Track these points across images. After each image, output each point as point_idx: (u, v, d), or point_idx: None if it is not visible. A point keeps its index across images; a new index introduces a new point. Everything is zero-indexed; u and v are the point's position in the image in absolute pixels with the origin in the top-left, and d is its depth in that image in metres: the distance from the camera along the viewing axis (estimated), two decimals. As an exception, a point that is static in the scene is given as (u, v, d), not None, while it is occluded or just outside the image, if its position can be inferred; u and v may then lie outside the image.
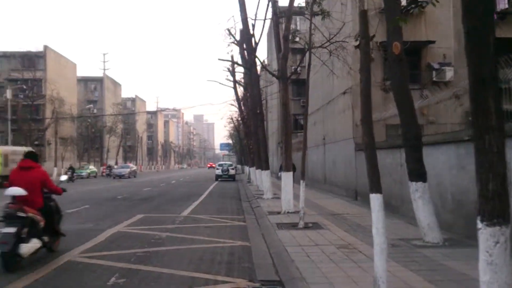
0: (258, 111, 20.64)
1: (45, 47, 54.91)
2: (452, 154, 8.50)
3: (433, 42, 15.71)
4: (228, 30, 19.65)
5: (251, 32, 18.66)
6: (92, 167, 54.01)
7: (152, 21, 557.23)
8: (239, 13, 18.06)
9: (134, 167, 56.12)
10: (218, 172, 40.56)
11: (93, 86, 78.26)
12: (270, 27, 30.57)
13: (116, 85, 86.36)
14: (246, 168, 41.20)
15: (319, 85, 21.02)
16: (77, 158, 61.96)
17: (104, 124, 67.81)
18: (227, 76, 28.62)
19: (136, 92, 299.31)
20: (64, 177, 9.50)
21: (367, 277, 5.39)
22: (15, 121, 44.91)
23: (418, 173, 7.72)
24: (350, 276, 5.59)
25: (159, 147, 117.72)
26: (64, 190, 7.90)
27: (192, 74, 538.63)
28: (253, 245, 8.31)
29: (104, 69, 78.10)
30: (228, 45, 21.09)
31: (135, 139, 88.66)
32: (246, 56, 20.39)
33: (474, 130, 3.20)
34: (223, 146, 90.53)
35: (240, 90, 31.66)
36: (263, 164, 19.40)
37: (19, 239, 6.44)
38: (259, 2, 20.13)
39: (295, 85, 33.70)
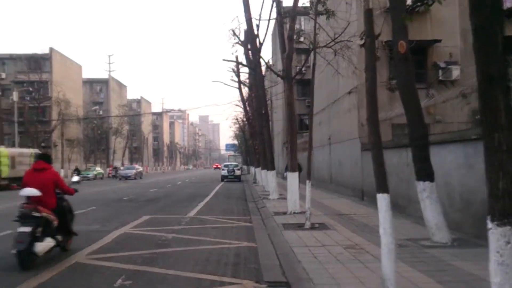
0: (263, 112, 20.60)
1: (51, 49, 55.22)
2: (460, 153, 8.43)
3: (439, 41, 15.60)
4: (233, 30, 19.68)
5: (256, 32, 18.64)
6: (98, 169, 54.24)
7: (157, 22, 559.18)
8: (243, 13, 18.06)
9: (140, 168, 56.27)
10: (224, 172, 40.59)
11: (99, 87, 78.58)
12: (274, 27, 30.55)
13: (121, 86, 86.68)
14: (252, 169, 41.18)
15: (324, 85, 20.96)
16: (83, 159, 62.25)
17: (110, 126, 68.08)
18: (232, 76, 28.63)
19: (141, 93, 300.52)
20: (75, 178, 10.03)
21: (375, 278, 5.35)
22: (22, 123, 45.20)
23: (425, 172, 7.65)
24: (357, 277, 5.54)
25: (165, 148, 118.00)
26: (76, 191, 8.13)
27: (197, 75, 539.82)
28: (259, 246, 8.28)
29: (110, 71, 78.51)
30: (233, 45, 21.14)
31: (141, 140, 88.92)
32: (251, 57, 20.37)
33: (483, 128, 3.16)
34: (228, 146, 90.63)
35: (245, 90, 31.68)
36: (268, 165, 19.36)
37: (34, 238, 6.64)
38: (263, 3, 20.15)
39: (300, 85, 33.64)
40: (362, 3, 5.48)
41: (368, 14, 5.35)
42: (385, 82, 14.66)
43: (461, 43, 14.34)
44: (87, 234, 9.70)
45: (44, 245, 6.89)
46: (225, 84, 61.03)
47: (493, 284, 3.14)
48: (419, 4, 8.83)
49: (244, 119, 38.44)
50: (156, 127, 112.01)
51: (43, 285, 5.90)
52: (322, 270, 5.93)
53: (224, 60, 23.97)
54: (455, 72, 14.80)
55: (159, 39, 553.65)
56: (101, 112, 70.79)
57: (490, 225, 3.13)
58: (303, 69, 16.36)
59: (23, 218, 6.76)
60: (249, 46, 20.06)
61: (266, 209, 14.06)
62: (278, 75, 15.44)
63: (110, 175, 53.87)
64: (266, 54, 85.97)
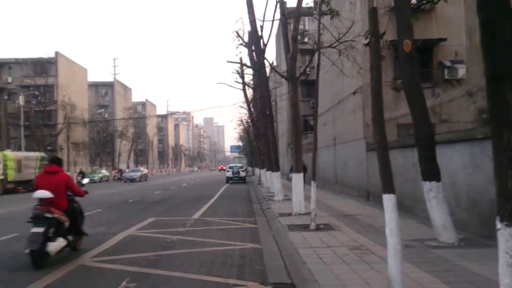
0: (267, 113, 20.57)
1: (57, 53, 55.49)
2: (466, 153, 8.35)
3: (445, 39, 15.49)
4: (237, 32, 19.64)
5: (260, 33, 18.63)
6: (104, 171, 54.40)
7: (161, 25, 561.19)
8: (247, 15, 18.06)
9: (145, 171, 56.37)
10: (229, 174, 40.59)
11: (104, 91, 78.88)
12: (278, 28, 30.51)
13: (126, 89, 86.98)
14: (257, 170, 41.14)
15: (329, 86, 20.90)
16: (89, 162, 62.46)
17: (115, 129, 68.28)
18: (236, 78, 28.64)
19: (146, 96, 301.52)
20: (86, 180, 10.25)
21: (381, 279, 5.30)
22: (28, 127, 45.42)
23: (431, 172, 7.59)
24: (363, 278, 5.49)
25: (170, 150, 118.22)
26: (86, 192, 8.43)
27: (202, 77, 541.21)
28: (264, 247, 8.24)
29: (115, 74, 78.74)
30: (237, 47, 21.06)
31: (146, 142, 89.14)
32: (255, 58, 20.36)
33: (491, 127, 3.09)
34: (233, 148, 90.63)
35: (249, 92, 31.63)
36: (273, 166, 19.32)
37: (47, 238, 6.92)
38: (267, 4, 20.17)
39: (305, 86, 33.60)
40: (366, 2, 5.44)
41: (373, 13, 5.31)
42: (390, 82, 14.59)
43: (466, 42, 14.24)
44: (93, 236, 9.68)
45: (56, 245, 7.15)
46: (229, 85, 61.17)
47: (503, 285, 3.07)
48: (424, 2, 8.74)
49: (249, 121, 38.43)
50: (161, 130, 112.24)
51: (48, 287, 5.89)
52: (328, 271, 5.89)
53: (228, 61, 24.20)
54: (461, 71, 14.69)
55: (163, 42, 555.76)
56: (106, 115, 71.04)
57: (499, 225, 3.06)
58: (308, 69, 16.26)
59: (36, 219, 7.02)
60: (253, 48, 20.05)
61: (271, 210, 14.02)
62: (282, 76, 15.40)
63: (115, 177, 53.98)
64: (270, 55, 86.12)
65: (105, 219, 13.20)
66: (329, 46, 12.42)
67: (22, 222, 12.98)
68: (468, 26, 14.21)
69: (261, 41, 18.75)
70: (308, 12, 16.28)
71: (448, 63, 15.20)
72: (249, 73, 28.12)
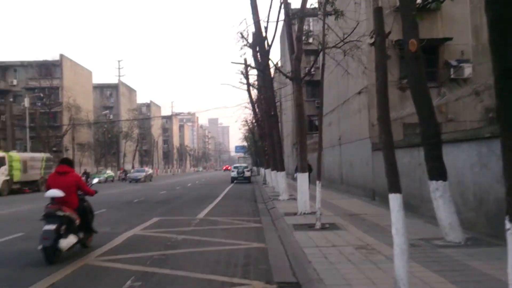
0: (272, 113, 20.56)
1: (61, 55, 55.81)
2: (473, 152, 8.29)
3: (450, 39, 15.42)
4: (241, 33, 19.62)
5: (264, 34, 18.62)
6: (109, 172, 54.59)
7: (165, 26, 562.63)
8: (251, 16, 18.04)
9: (150, 171, 56.48)
10: (234, 174, 40.64)
11: (109, 92, 79.28)
12: (283, 29, 30.49)
13: (131, 91, 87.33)
14: (262, 170, 41.15)
15: (334, 86, 20.87)
16: (94, 163, 62.72)
17: (120, 130, 68.56)
18: (241, 79, 28.63)
19: (150, 97, 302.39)
20: (95, 180, 10.60)
21: (387, 279, 5.25)
22: (34, 128, 45.68)
23: (438, 171, 7.53)
24: (369, 278, 5.45)
25: (175, 151, 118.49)
26: (96, 192, 8.72)
27: (206, 78, 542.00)
28: (269, 247, 8.22)
29: (119, 76, 79.14)
30: (241, 48, 21.00)
31: (151, 143, 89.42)
32: (259, 59, 20.33)
33: (500, 125, 3.04)
34: (238, 148, 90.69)
35: (254, 92, 31.62)
36: (278, 166, 19.30)
37: (59, 235, 7.23)
38: (271, 4, 20.10)
39: (309, 86, 33.57)
40: (371, 2, 5.42)
41: (378, 13, 5.28)
42: (396, 82, 14.53)
43: (472, 41, 14.17)
44: (98, 235, 9.67)
45: (68, 242, 7.43)
46: (234, 86, 61.10)
47: (512, 286, 3.02)
48: (430, 1, 8.70)
49: (254, 121, 38.45)
50: (166, 130, 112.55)
51: (53, 286, 5.91)
52: (333, 271, 5.85)
53: (232, 62, 24.15)
54: (467, 70, 14.60)
55: (168, 43, 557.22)
56: (111, 117, 71.36)
57: (508, 225, 3.01)
58: (312, 70, 16.21)
59: (48, 217, 7.35)
60: (257, 48, 20.04)
61: (276, 210, 14.00)
62: (287, 77, 15.38)
63: (120, 178, 54.18)
64: (275, 55, 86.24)
65: (110, 219, 13.22)
66: (334, 47, 12.39)
67: (27, 222, 13.17)
68: (474, 25, 14.14)
69: (266, 42, 18.74)
70: (313, 12, 16.28)
71: (454, 63, 15.11)
72: (253, 74, 28.14)
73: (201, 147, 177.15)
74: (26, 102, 42.48)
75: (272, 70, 20.62)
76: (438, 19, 15.44)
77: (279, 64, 31.20)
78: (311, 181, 13.89)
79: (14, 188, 29.35)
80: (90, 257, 7.62)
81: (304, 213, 12.17)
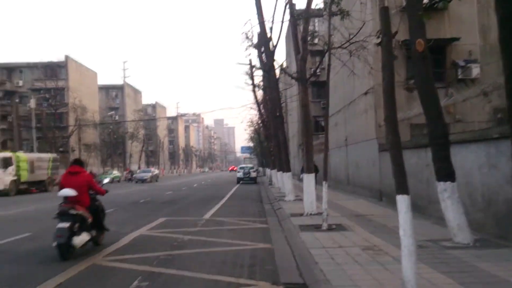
0: (278, 114, 20.52)
1: (66, 57, 56.08)
2: (482, 153, 8.22)
3: (458, 39, 15.29)
4: (246, 34, 19.63)
5: (269, 35, 18.60)
6: (115, 172, 54.78)
7: (170, 27, 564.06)
8: (256, 16, 18.04)
9: (156, 171, 56.58)
10: (240, 175, 40.65)
11: (114, 93, 79.59)
12: (288, 29, 30.48)
13: (136, 92, 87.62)
14: (268, 171, 41.12)
15: (340, 86, 20.80)
16: (100, 163, 62.97)
17: (126, 130, 68.81)
18: (246, 80, 28.65)
19: (156, 98, 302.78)
20: (106, 180, 11.00)
21: (395, 280, 5.23)
22: (40, 129, 45.93)
23: (446, 172, 7.48)
24: (376, 279, 5.42)
25: (180, 151, 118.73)
26: (107, 191, 9.01)
27: (212, 79, 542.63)
28: (275, 248, 8.20)
29: (124, 77, 79.52)
30: (246, 49, 20.99)
31: (157, 144, 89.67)
32: (265, 59, 20.33)
33: (510, 126, 3.01)
34: (244, 149, 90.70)
35: (260, 93, 31.63)
36: (284, 166, 19.27)
37: (72, 233, 7.52)
38: (276, 5, 20.05)
39: (315, 87, 33.49)
40: (377, 2, 5.39)
41: (384, 12, 5.25)
42: (403, 82, 14.46)
43: (480, 41, 14.06)
44: (105, 235, 9.75)
45: (81, 239, 7.72)
46: (239, 87, 61.14)
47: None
48: (437, 0, 8.64)
49: (259, 122, 38.44)
50: (172, 131, 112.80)
51: (61, 286, 5.93)
52: (340, 272, 5.83)
53: (238, 63, 24.11)
54: (475, 70, 14.47)
55: (173, 44, 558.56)
56: (117, 117, 71.66)
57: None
58: (318, 70, 16.16)
59: (62, 215, 7.63)
60: (262, 49, 20.02)
61: (282, 210, 13.97)
62: (292, 77, 15.35)
63: (126, 178, 54.36)
64: (280, 56, 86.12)
65: (116, 219, 13.22)
66: (339, 47, 12.35)
67: (35, 222, 13.25)
68: (481, 24, 14.03)
69: (271, 42, 18.72)
70: (318, 13, 16.23)
71: (461, 63, 14.99)
72: (259, 75, 28.14)
73: (207, 147, 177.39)
74: (32, 103, 42.72)
75: (277, 71, 20.59)
76: (445, 19, 15.33)
77: (285, 65, 31.18)
78: (318, 182, 13.85)
79: (22, 188, 29.56)
80: (97, 257, 7.65)
81: (311, 214, 12.13)
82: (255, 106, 33.75)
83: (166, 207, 17.55)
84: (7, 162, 28.35)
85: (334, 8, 11.34)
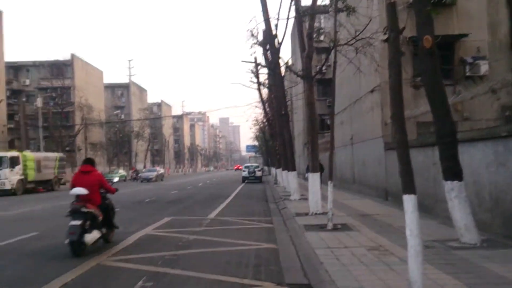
0: (283, 112, 20.45)
1: (72, 55, 56.28)
2: (489, 151, 8.12)
3: (466, 35, 15.08)
4: (251, 31, 19.56)
5: (274, 32, 18.53)
6: (121, 171, 54.95)
7: (175, 26, 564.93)
8: (261, 13, 17.97)
9: (161, 171, 56.71)
10: (245, 174, 40.61)
11: (120, 92, 79.84)
12: (293, 27, 30.38)
13: (142, 90, 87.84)
14: (273, 170, 41.08)
15: (346, 84, 20.67)
16: (106, 162, 63.19)
17: (132, 129, 69.01)
18: (251, 78, 28.57)
19: (161, 97, 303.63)
20: (116, 179, 10.97)
21: (401, 281, 5.16)
22: (46, 128, 46.14)
23: (453, 171, 7.37)
24: (382, 280, 5.35)
25: (186, 150, 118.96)
26: (117, 190, 9.23)
27: (216, 77, 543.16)
28: (280, 248, 8.15)
29: (130, 75, 79.75)
30: (251, 46, 20.94)
31: (162, 143, 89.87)
32: (270, 57, 20.25)
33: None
34: (249, 148, 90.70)
35: (265, 91, 31.56)
36: (289, 165, 19.21)
37: (83, 230, 7.70)
38: (281, 1, 19.99)
39: (321, 85, 33.35)
40: (384, -3, 5.32)
41: (391, 8, 5.17)
42: (410, 80, 14.31)
43: (489, 37, 13.84)
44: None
45: (92, 236, 7.91)
46: (244, 85, 61.19)
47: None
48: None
49: (264, 120, 38.38)
50: (177, 130, 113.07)
51: (66, 286, 5.91)
52: (345, 272, 5.76)
53: (243, 61, 24.03)
54: (483, 67, 14.24)
55: (178, 42, 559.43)
56: (122, 116, 71.90)
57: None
58: (324, 68, 16.12)
59: (74, 213, 7.79)
60: (267, 47, 19.94)
61: (287, 210, 13.91)
62: (297, 75, 15.26)
63: (132, 177, 54.52)
64: (286, 54, 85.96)
65: (122, 219, 13.13)
66: (345, 44, 12.24)
67: (41, 221, 13.27)
68: (490, 20, 13.80)
69: (276, 40, 18.64)
70: (324, 9, 16.11)
71: (469, 59, 14.77)
72: (264, 73, 28.05)
73: (212, 146, 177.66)
74: (39, 102, 42.91)
75: (282, 69, 20.50)
76: (454, 14, 15.10)
77: (290, 62, 31.10)
78: (323, 181, 13.77)
79: (29, 188, 29.71)
80: (102, 257, 7.63)
81: (316, 214, 12.06)
82: (260, 104, 33.73)
83: (171, 206, 17.55)
84: (14, 162, 28.50)
85: (340, 4, 11.24)
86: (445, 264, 5.98)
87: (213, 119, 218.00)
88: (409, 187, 4.69)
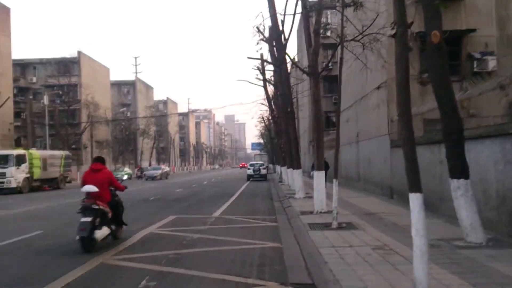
0: (288, 110, 20.35)
1: (79, 53, 56.40)
2: (497, 148, 7.99)
3: (474, 30, 14.88)
4: (257, 27, 19.44)
5: (280, 28, 18.42)
6: (127, 169, 55.11)
7: (181, 23, 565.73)
8: (267, 9, 17.85)
9: (166, 169, 56.77)
10: (250, 172, 40.56)
11: (126, 89, 79.96)
12: (300, 23, 30.23)
13: (148, 88, 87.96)
14: (278, 168, 41.01)
15: (352, 81, 20.53)
16: (112, 160, 63.40)
17: (138, 127, 69.18)
18: (257, 75, 28.45)
19: (167, 94, 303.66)
20: (125, 177, 11.20)
21: (406, 281, 5.10)
22: (53, 126, 46.36)
23: (460, 169, 7.26)
24: (387, 280, 5.28)
25: (191, 148, 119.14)
26: (126, 187, 9.50)
27: (222, 74, 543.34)
28: (285, 247, 8.09)
29: (136, 73, 79.86)
30: (257, 43, 20.81)
31: (168, 140, 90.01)
32: (276, 54, 20.14)
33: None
34: (254, 145, 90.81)
35: (270, 88, 31.46)
36: (294, 163, 19.11)
37: (94, 226, 7.93)
38: (288, -4, 19.82)
39: (327, 82, 33.19)
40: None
41: (399, 2, 5.07)
42: (416, 76, 14.15)
43: (497, 32, 13.60)
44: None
45: (102, 233, 8.15)
46: (250, 82, 61.20)
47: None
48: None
49: (270, 118, 38.30)
50: (183, 128, 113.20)
51: (69, 285, 5.88)
52: (350, 272, 5.69)
53: (248, 58, 23.83)
54: (491, 63, 14.04)
55: (184, 39, 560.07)
56: (128, 114, 72.07)
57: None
58: (330, 64, 15.95)
59: (85, 210, 8.06)
60: (274, 43, 19.83)
61: (292, 208, 13.84)
62: (304, 72, 15.16)
63: (137, 175, 54.66)
64: (292, 50, 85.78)
65: (126, 217, 13.10)
66: (352, 40, 12.12)
67: (47, 220, 13.28)
68: (499, 15, 13.58)
69: (282, 36, 18.53)
70: (331, 4, 15.98)
71: (477, 55, 14.57)
72: (270, 70, 27.93)
73: (218, 144, 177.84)
74: (46, 99, 43.08)
75: (288, 65, 20.39)
76: (462, 9, 14.90)
77: (296, 59, 30.96)
78: (328, 179, 13.68)
79: (34, 186, 29.86)
80: (106, 256, 7.60)
81: (321, 212, 11.98)
82: (265, 101, 33.63)
83: (176, 204, 17.54)
84: (20, 160, 28.63)
85: (347, -1, 11.12)
86: (451, 263, 5.90)
87: (219, 117, 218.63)
88: (415, 185, 4.61)
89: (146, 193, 24.76)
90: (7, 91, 40.45)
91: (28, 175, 29.15)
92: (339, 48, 10.96)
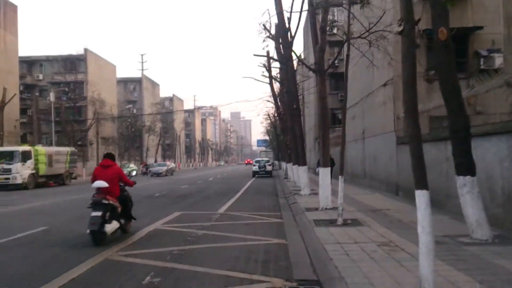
0: (294, 107, 20.33)
1: (86, 50, 56.49)
2: (503, 146, 7.94)
3: (481, 28, 14.79)
4: (263, 25, 19.42)
5: (287, 25, 18.37)
6: (132, 166, 55.27)
7: (188, 20, 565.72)
8: (274, 6, 17.81)
9: (172, 165, 56.82)
10: (255, 168, 40.55)
11: (132, 86, 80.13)
12: (306, 20, 30.14)
13: (154, 85, 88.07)
14: (283, 164, 40.99)
15: (358, 78, 20.46)
16: (118, 157, 63.61)
17: (143, 124, 69.32)
18: (263, 72, 28.42)
19: (173, 91, 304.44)
20: (134, 172, 11.52)
21: (411, 277, 5.08)
22: (59, 122, 46.55)
23: (466, 166, 7.22)
24: (392, 276, 5.26)
25: (197, 145, 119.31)
26: (135, 183, 9.85)
27: (228, 71, 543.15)
28: (290, 243, 8.09)
29: (142, 70, 79.88)
30: (264, 40, 20.78)
31: (174, 137, 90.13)
32: (282, 51, 20.09)
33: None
34: (260, 142, 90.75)
35: (276, 85, 31.41)
36: (300, 160, 19.10)
37: (104, 221, 8.19)
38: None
39: (333, 79, 33.12)
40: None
41: (407, 0, 5.04)
42: (423, 73, 14.09)
43: (504, 30, 13.51)
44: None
45: (112, 227, 8.46)
46: (256, 79, 61.19)
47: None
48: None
49: (276, 115, 38.25)
50: (188, 124, 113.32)
51: (73, 281, 5.90)
52: (355, 269, 5.68)
53: (255, 55, 23.88)
54: (498, 60, 13.96)
55: (190, 36, 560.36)
56: (134, 111, 72.16)
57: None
58: (336, 62, 15.90)
59: (95, 205, 8.28)
60: (280, 40, 19.78)
61: (297, 205, 13.83)
62: (310, 69, 15.11)
63: (142, 172, 54.83)
64: (298, 47, 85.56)
65: (132, 213, 13.26)
66: (359, 37, 12.07)
67: (53, 216, 13.35)
68: (506, 13, 13.49)
69: (289, 33, 18.48)
70: (338, 2, 15.93)
71: (484, 52, 14.49)
72: (276, 67, 27.89)
73: (223, 141, 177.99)
74: (52, 96, 43.26)
75: (295, 63, 20.34)
76: (469, 7, 14.80)
77: (302, 56, 30.91)
78: (333, 176, 13.66)
79: (40, 182, 29.99)
80: (111, 251, 7.63)
81: (326, 209, 11.97)
82: (271, 98, 33.59)
83: (181, 201, 17.57)
84: (26, 156, 28.75)
85: (354, -4, 11.07)
86: (456, 260, 5.88)
87: (225, 114, 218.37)
88: (421, 182, 4.59)
89: (152, 189, 24.83)
90: (13, 88, 40.68)
91: (34, 171, 29.26)
92: (345, 45, 10.92)
